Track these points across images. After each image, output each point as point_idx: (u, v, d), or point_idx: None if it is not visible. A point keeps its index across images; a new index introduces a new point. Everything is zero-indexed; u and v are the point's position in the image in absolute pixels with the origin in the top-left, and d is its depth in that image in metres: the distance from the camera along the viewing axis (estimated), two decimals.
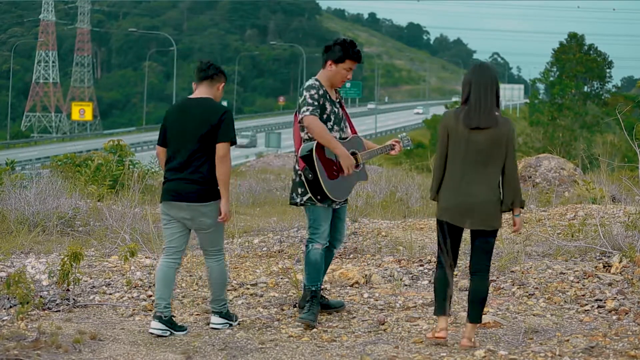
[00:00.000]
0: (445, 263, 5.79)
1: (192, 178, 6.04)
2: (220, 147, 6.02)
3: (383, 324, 6.32)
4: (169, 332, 6.01)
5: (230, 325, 6.25)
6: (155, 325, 5.99)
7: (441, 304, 5.76)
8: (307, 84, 6.49)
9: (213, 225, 6.10)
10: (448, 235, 5.74)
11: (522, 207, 5.70)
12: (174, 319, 6.15)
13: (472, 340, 5.69)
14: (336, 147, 6.36)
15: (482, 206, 5.61)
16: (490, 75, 5.67)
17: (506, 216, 5.88)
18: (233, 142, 6.09)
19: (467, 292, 6.20)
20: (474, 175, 5.62)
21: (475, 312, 5.70)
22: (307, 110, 6.32)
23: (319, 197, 6.39)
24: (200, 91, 6.24)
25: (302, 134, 6.51)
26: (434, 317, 6.03)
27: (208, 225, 6.10)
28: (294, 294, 7.15)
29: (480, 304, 5.71)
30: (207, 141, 6.04)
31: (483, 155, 5.61)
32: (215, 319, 6.22)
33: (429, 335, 5.84)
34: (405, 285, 7.66)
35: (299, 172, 6.44)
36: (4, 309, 6.46)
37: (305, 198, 6.47)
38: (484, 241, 5.74)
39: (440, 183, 5.73)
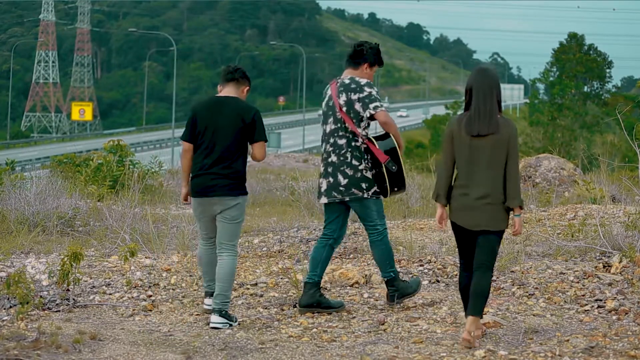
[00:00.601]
0: (461, 264, 5.97)
1: (224, 173, 6.31)
2: (258, 148, 6.41)
3: (383, 324, 6.32)
4: (228, 325, 6.25)
5: (230, 325, 6.27)
6: (216, 320, 6.23)
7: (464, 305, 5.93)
8: (365, 81, 6.65)
9: (238, 217, 6.39)
10: (461, 235, 5.89)
11: (522, 208, 5.79)
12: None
13: (472, 334, 5.71)
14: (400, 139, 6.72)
15: (485, 208, 5.74)
16: (490, 80, 5.76)
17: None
18: (265, 141, 6.45)
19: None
20: (478, 178, 5.76)
21: (475, 306, 5.73)
22: (381, 105, 6.59)
23: (396, 188, 6.61)
24: (227, 91, 6.50)
25: (360, 130, 6.61)
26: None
27: (233, 217, 6.36)
28: (294, 294, 7.15)
29: (480, 297, 5.74)
30: (240, 137, 6.34)
31: (486, 160, 5.74)
32: (215, 318, 6.25)
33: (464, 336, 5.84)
34: None
35: (365, 167, 6.59)
36: (4, 309, 6.45)
37: (371, 192, 6.62)
38: (487, 239, 5.80)
39: (445, 186, 5.87)
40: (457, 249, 6.07)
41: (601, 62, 59.08)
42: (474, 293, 5.75)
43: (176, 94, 60.33)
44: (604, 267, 7.84)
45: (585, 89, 58.67)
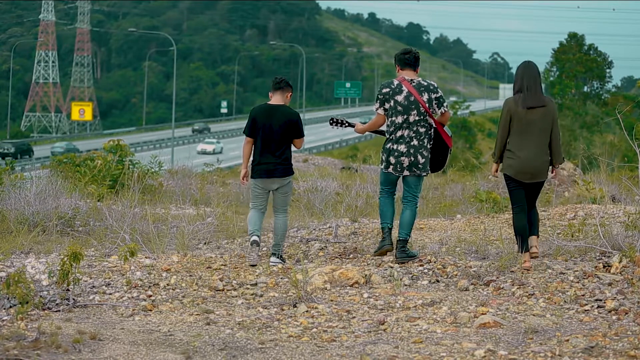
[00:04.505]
0: (517, 209, 7.87)
1: (280, 161, 8.65)
2: (299, 142, 8.80)
3: (383, 324, 6.32)
4: (282, 263, 8.54)
5: (283, 262, 8.58)
6: (274, 260, 8.59)
7: (523, 244, 7.78)
8: (436, 83, 8.55)
9: (289, 191, 8.84)
10: (516, 185, 7.84)
11: (562, 163, 7.92)
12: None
13: (537, 246, 7.89)
14: None
15: (537, 165, 7.75)
16: (536, 69, 7.83)
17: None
18: (303, 136, 8.80)
19: (467, 293, 7.28)
20: (531, 142, 7.72)
21: (535, 229, 7.93)
22: (447, 105, 8.59)
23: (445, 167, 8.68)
24: (277, 99, 8.79)
25: (431, 121, 8.45)
26: (520, 253, 7.86)
27: (286, 191, 8.79)
28: (293, 294, 7.14)
29: (537, 223, 7.96)
30: (288, 136, 8.67)
31: (537, 128, 7.72)
32: (273, 259, 8.59)
33: (520, 266, 7.73)
34: (405, 285, 7.66)
35: (430, 150, 8.45)
36: (4, 309, 6.45)
37: (427, 170, 8.51)
38: (537, 188, 7.95)
39: (501, 149, 7.86)
40: (511, 205, 7.97)
41: (601, 62, 59.11)
42: (534, 221, 7.91)
43: (176, 94, 60.32)
44: (604, 267, 7.83)
45: (585, 89, 58.71)
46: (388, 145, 8.47)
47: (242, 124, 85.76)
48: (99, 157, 15.46)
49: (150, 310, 6.70)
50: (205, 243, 10.47)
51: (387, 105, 8.41)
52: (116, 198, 12.26)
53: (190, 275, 7.85)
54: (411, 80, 8.41)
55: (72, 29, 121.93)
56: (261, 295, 7.26)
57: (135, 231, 9.80)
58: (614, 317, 6.43)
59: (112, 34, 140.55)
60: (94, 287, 7.34)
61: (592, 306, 6.72)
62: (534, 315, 6.53)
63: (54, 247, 9.44)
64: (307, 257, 9.20)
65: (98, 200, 12.08)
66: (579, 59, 57.81)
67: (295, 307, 6.79)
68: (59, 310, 6.54)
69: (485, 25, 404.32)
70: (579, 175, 16.60)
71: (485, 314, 6.47)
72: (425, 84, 8.41)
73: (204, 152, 61.42)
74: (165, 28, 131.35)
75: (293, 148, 8.88)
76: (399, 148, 8.39)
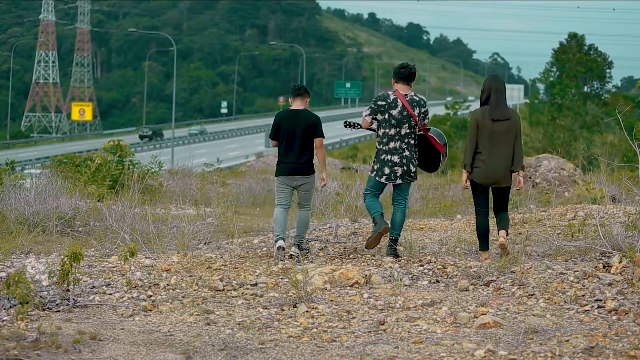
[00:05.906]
0: (480, 211, 8.53)
1: (302, 162, 9.37)
2: (318, 140, 9.43)
3: (383, 324, 6.32)
4: (305, 252, 9.33)
5: (307, 252, 9.34)
6: (295, 250, 9.23)
7: (483, 242, 8.52)
8: (425, 99, 9.29)
9: (311, 188, 9.50)
10: (481, 191, 8.51)
11: (523, 170, 8.56)
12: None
13: (506, 237, 8.40)
14: None
15: (502, 172, 8.39)
16: (502, 83, 8.53)
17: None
18: (323, 137, 9.46)
19: (467, 293, 7.33)
20: (496, 151, 8.37)
21: (504, 225, 8.48)
22: None
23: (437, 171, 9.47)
24: (297, 104, 9.52)
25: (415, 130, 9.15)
26: (480, 251, 8.61)
27: (308, 188, 9.46)
28: (293, 294, 7.14)
29: (507, 221, 8.57)
30: (309, 137, 9.38)
31: (502, 138, 8.37)
32: (294, 249, 9.24)
33: (480, 261, 8.35)
34: (405, 285, 7.66)
35: (415, 159, 9.13)
36: (4, 309, 6.45)
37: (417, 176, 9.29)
38: (503, 193, 8.59)
39: (471, 158, 8.41)
40: (474, 207, 8.64)
41: (601, 62, 59.00)
42: (503, 221, 8.50)
43: (176, 94, 60.31)
44: (604, 267, 7.83)
45: (585, 89, 58.62)
46: (382, 157, 9.09)
47: (245, 123, 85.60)
48: (98, 157, 15.46)
49: (150, 311, 6.69)
50: (205, 243, 10.47)
51: (380, 117, 9.05)
52: (116, 198, 12.25)
53: (190, 276, 7.85)
54: (405, 95, 9.08)
55: (72, 29, 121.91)
56: (261, 296, 7.26)
57: (135, 231, 9.80)
58: (614, 317, 6.43)
59: (112, 34, 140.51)
60: (94, 287, 7.34)
61: (592, 306, 6.71)
62: (534, 315, 6.53)
63: (54, 247, 9.44)
64: (307, 257, 9.20)
65: (98, 201, 12.08)
66: (579, 59, 57.73)
67: (295, 307, 6.79)
68: (59, 311, 6.54)
69: (485, 25, 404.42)
70: (579, 175, 16.61)
71: (485, 314, 6.47)
72: (417, 99, 9.15)
73: None
74: (165, 28, 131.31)
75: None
76: (393, 159, 9.05)
